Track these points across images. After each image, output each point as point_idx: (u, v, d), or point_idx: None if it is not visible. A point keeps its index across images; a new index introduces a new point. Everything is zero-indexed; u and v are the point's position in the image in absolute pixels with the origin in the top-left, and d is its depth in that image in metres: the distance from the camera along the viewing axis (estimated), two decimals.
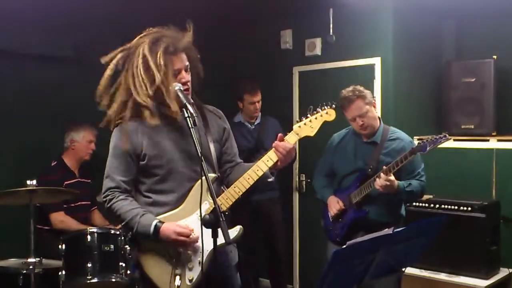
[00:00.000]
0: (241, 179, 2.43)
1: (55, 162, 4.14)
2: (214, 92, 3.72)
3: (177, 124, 2.44)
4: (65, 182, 4.05)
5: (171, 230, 2.32)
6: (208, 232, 2.23)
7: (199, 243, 2.34)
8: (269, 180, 2.51)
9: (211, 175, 2.38)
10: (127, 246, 3.16)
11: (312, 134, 2.49)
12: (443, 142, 3.10)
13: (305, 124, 2.49)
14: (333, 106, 4.17)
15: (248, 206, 4.31)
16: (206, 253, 2.35)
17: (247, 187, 2.43)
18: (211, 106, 2.65)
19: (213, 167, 2.48)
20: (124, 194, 2.42)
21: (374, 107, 3.43)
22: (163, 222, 2.35)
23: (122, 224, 2.43)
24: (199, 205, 2.26)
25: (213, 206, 2.16)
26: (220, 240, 2.15)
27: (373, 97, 3.52)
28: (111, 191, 2.42)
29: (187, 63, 2.43)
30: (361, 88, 3.40)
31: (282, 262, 4.79)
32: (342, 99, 3.38)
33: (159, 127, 2.42)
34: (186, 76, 2.41)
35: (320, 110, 2.50)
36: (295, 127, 2.49)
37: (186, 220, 2.40)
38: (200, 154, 2.19)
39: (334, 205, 3.47)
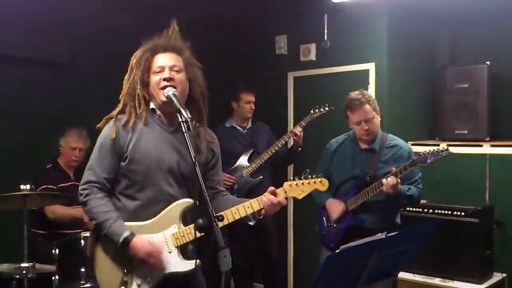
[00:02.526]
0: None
1: (50, 165, 4.16)
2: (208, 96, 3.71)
3: (174, 136, 2.42)
4: (60, 184, 4.05)
5: (142, 247, 2.30)
6: (166, 255, 2.32)
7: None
8: (250, 223, 2.47)
9: (189, 200, 2.36)
10: None
11: (299, 197, 2.43)
12: (444, 156, 3.09)
13: (296, 185, 2.42)
14: (326, 108, 4.20)
15: None
16: (158, 277, 2.34)
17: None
18: (208, 128, 2.58)
19: (195, 191, 2.42)
20: (102, 192, 2.39)
21: (378, 115, 3.43)
22: (134, 235, 2.32)
23: (93, 223, 2.41)
24: (180, 222, 2.33)
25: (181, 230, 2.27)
26: (179, 267, 2.31)
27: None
28: (90, 185, 2.39)
29: (176, 63, 2.42)
30: (370, 93, 3.40)
31: (276, 267, 4.78)
32: (350, 100, 3.35)
33: (153, 135, 2.41)
34: (168, 73, 2.37)
35: (314, 177, 2.43)
36: (285, 184, 2.42)
37: (153, 236, 2.36)
38: (194, 159, 2.16)
39: (337, 207, 3.42)
